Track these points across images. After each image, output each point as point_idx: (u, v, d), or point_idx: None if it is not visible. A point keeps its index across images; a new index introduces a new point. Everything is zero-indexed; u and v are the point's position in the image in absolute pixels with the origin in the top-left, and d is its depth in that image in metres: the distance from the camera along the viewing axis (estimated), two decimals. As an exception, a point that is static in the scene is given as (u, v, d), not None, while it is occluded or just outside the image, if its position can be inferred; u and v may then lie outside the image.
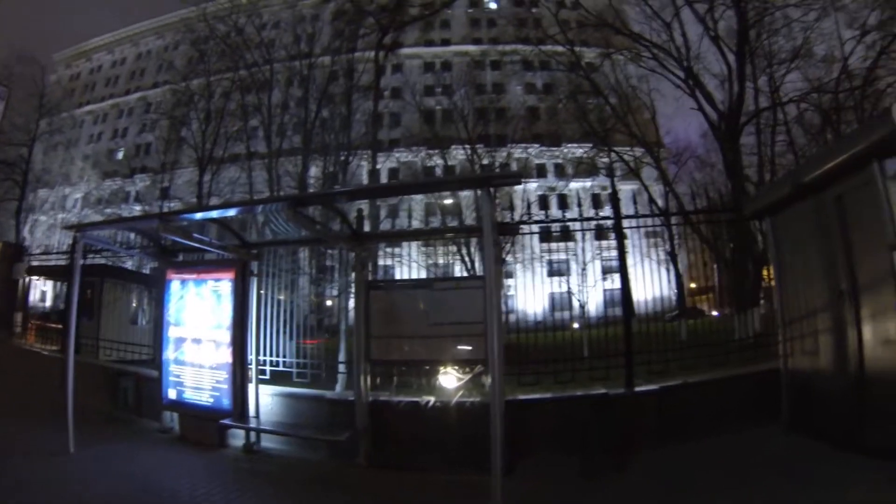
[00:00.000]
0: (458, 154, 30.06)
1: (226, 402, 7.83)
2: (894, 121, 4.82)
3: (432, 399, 7.11)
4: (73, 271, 8.17)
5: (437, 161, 30.81)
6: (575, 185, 37.95)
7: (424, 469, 6.61)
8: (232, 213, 7.42)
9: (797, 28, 19.52)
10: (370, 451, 7.06)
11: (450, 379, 7.15)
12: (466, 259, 23.17)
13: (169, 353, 8.53)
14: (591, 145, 28.43)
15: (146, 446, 7.83)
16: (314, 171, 23.56)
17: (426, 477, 6.46)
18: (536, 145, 37.92)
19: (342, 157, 21.95)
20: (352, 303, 7.79)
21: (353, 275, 7.82)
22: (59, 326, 13.20)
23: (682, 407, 7.10)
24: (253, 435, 7.83)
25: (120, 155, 57.32)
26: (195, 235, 7.57)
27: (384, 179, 36.93)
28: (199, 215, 7.02)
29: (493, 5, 53.80)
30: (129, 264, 15.04)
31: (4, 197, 31.48)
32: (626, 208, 8.27)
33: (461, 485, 6.02)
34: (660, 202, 22.00)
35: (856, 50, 19.13)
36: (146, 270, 14.07)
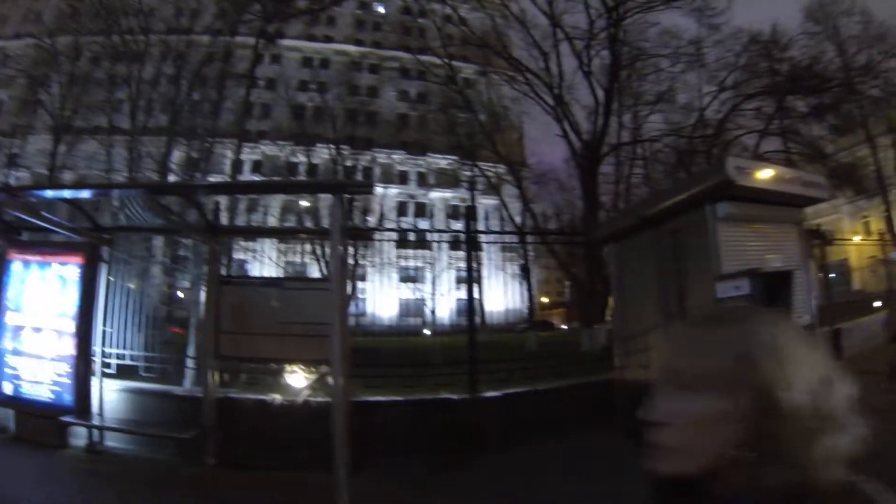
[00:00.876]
0: (323, 153, 29.76)
1: (67, 397, 7.29)
2: (726, 171, 5.65)
3: (280, 397, 7.15)
4: None
5: (302, 158, 30.40)
6: (436, 195, 38.83)
7: (273, 468, 6.55)
8: (86, 194, 7.03)
9: (664, 76, 21.92)
10: (218, 450, 6.91)
11: (297, 378, 7.21)
12: (321, 259, 22.80)
13: (5, 343, 7.76)
14: (456, 158, 29.19)
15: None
16: (177, 155, 22.39)
17: (274, 476, 6.43)
18: (402, 152, 38.54)
19: (207, 144, 21.04)
20: (204, 296, 7.64)
21: (206, 268, 7.69)
22: None
23: (527, 412, 7.62)
24: (97, 433, 7.39)
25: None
26: (44, 214, 7.03)
27: (248, 171, 35.75)
28: (50, 193, 6.63)
29: (381, 9, 53.79)
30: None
31: None
32: (488, 222, 8.74)
33: (309, 484, 6.02)
34: (518, 219, 23.39)
35: (712, 104, 21.98)
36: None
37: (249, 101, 22.70)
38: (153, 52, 24.22)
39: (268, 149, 34.92)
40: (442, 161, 31.89)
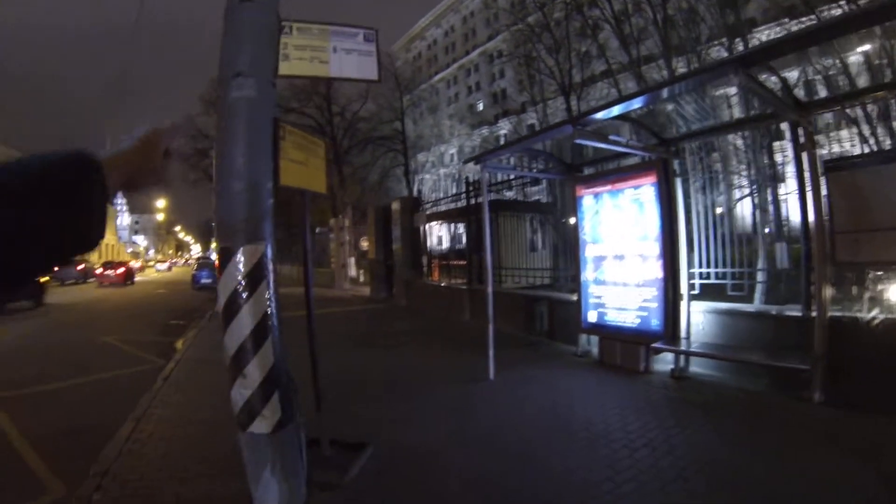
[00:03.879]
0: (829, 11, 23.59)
1: (654, 322, 7.10)
2: None
3: None
4: (483, 205, 8.13)
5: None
6: None
7: (898, 415, 4.76)
8: (641, 101, 5.91)
9: None
10: (826, 385, 5.49)
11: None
12: None
13: (588, 274, 8.12)
14: None
15: (565, 371, 7.47)
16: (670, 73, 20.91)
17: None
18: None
19: (700, 50, 18.92)
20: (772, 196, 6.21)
21: (794, 157, 6.13)
22: (461, 263, 14.36)
23: None
24: (682, 359, 6.93)
25: (479, 106, 63.41)
26: (611, 137, 6.84)
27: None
28: (617, 109, 6.03)
29: None
30: (513, 196, 15.64)
31: (391, 164, 38.02)
32: None
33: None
34: None
35: None
36: (532, 199, 14.19)
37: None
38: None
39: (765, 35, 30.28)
40: None
